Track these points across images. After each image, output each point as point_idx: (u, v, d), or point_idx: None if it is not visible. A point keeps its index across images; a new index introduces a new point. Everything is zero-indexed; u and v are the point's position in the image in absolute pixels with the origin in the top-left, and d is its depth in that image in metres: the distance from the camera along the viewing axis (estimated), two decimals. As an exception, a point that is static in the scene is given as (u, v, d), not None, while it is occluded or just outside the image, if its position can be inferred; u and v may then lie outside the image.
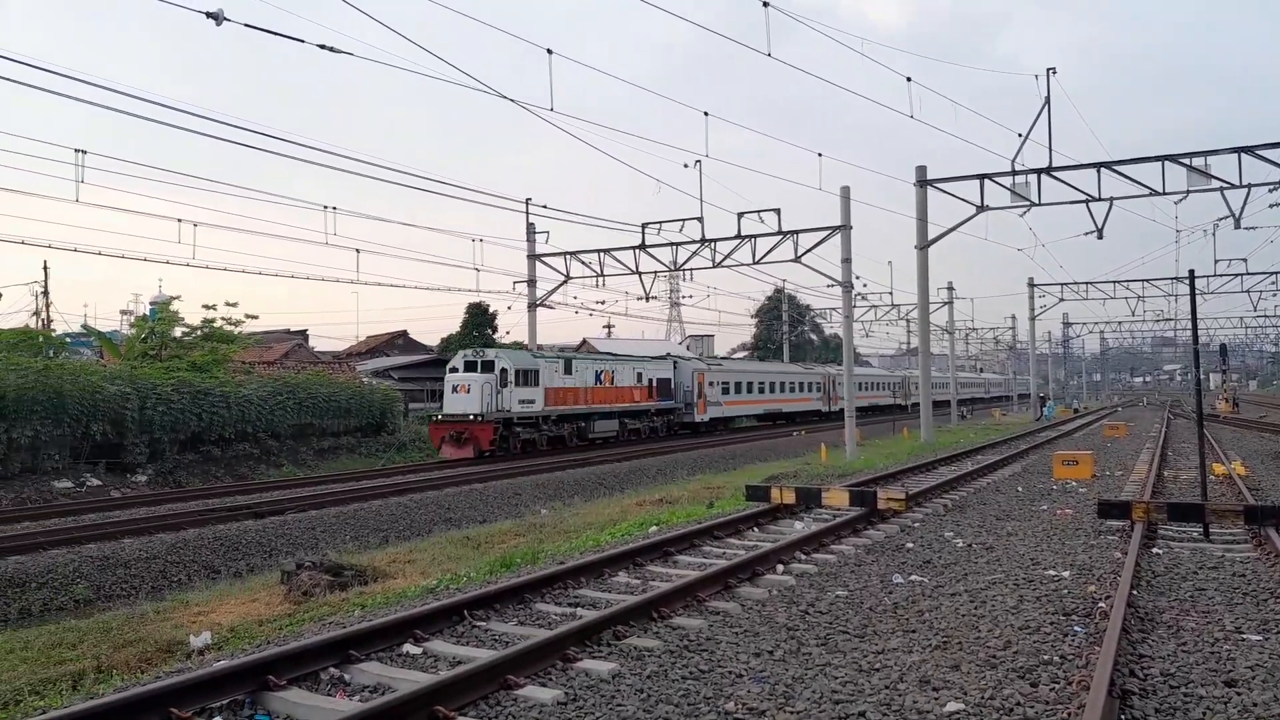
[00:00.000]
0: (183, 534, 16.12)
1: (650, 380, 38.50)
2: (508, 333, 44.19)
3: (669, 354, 44.31)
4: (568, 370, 32.90)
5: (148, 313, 41.73)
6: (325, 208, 24.99)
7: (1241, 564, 10.05)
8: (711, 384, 43.03)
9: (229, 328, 33.84)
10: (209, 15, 12.71)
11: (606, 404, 35.44)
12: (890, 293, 55.27)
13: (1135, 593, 8.63)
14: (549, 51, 19.16)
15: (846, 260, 28.87)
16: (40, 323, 37.19)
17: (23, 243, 22.92)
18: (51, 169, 22.41)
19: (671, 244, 32.44)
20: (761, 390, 49.17)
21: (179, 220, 23.02)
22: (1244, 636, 7.24)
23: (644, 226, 32.30)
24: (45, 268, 38.32)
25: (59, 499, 21.66)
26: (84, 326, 40.59)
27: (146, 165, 40.04)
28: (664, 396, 39.49)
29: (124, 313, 53.27)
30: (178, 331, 33.61)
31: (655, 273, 34.81)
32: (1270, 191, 27.54)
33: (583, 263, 34.76)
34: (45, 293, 38.09)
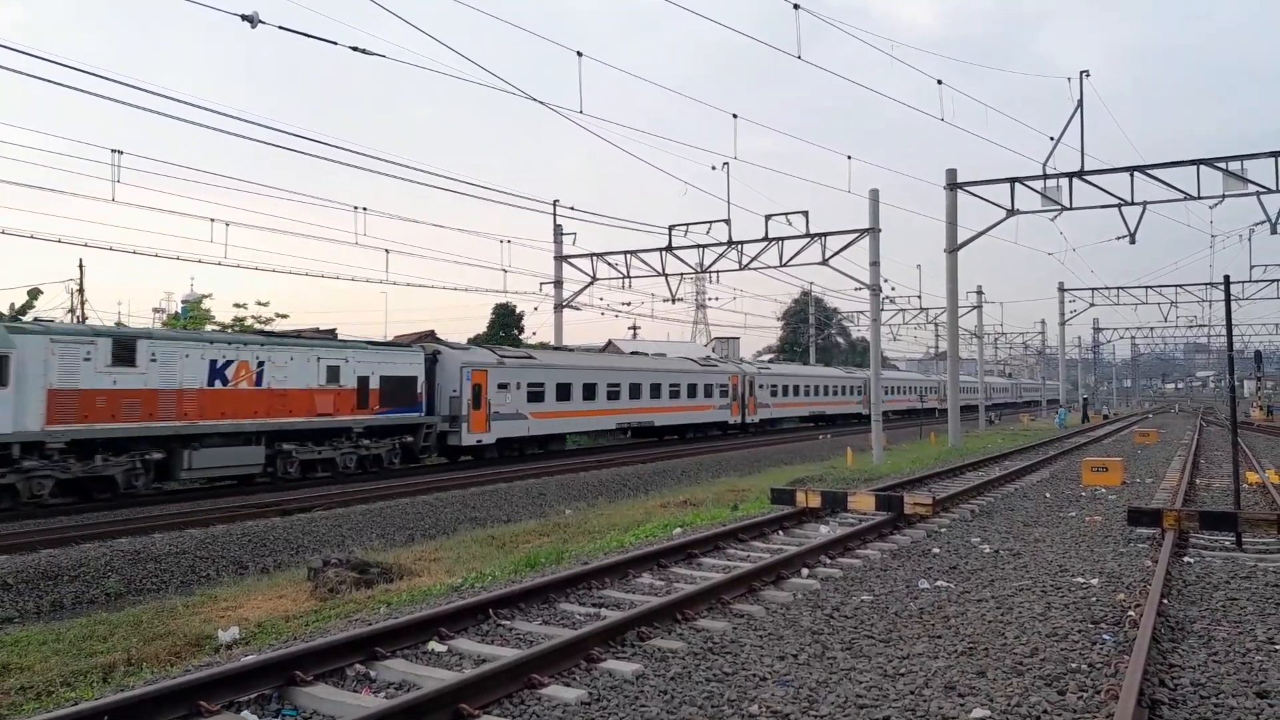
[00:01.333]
0: (212, 530, 16.32)
1: (365, 379, 24.49)
2: (534, 333, 44.21)
3: (429, 342, 28.69)
4: (125, 358, 19.14)
5: (180, 311, 42.28)
6: (356, 208, 25.30)
7: (1275, 574, 9.88)
8: (502, 386, 28.68)
9: (259, 326, 34.32)
10: (244, 18, 12.90)
11: (236, 417, 21.38)
12: (918, 296, 55.19)
13: (1166, 601, 8.52)
14: (579, 54, 19.28)
15: (875, 263, 28.80)
16: (75, 320, 37.76)
17: (59, 241, 23.41)
18: (89, 169, 22.90)
19: (698, 246, 32.59)
20: (613, 395, 34.13)
21: (212, 220, 23.51)
22: (1277, 647, 7.12)
23: (671, 229, 32.49)
24: (81, 266, 38.89)
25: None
26: (117, 324, 41.14)
27: (181, 165, 40.64)
28: (401, 405, 25.67)
29: (156, 310, 53.88)
30: (209, 329, 34.12)
31: (681, 275, 34.95)
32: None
33: (609, 264, 34.96)
34: (80, 290, 38.64)
